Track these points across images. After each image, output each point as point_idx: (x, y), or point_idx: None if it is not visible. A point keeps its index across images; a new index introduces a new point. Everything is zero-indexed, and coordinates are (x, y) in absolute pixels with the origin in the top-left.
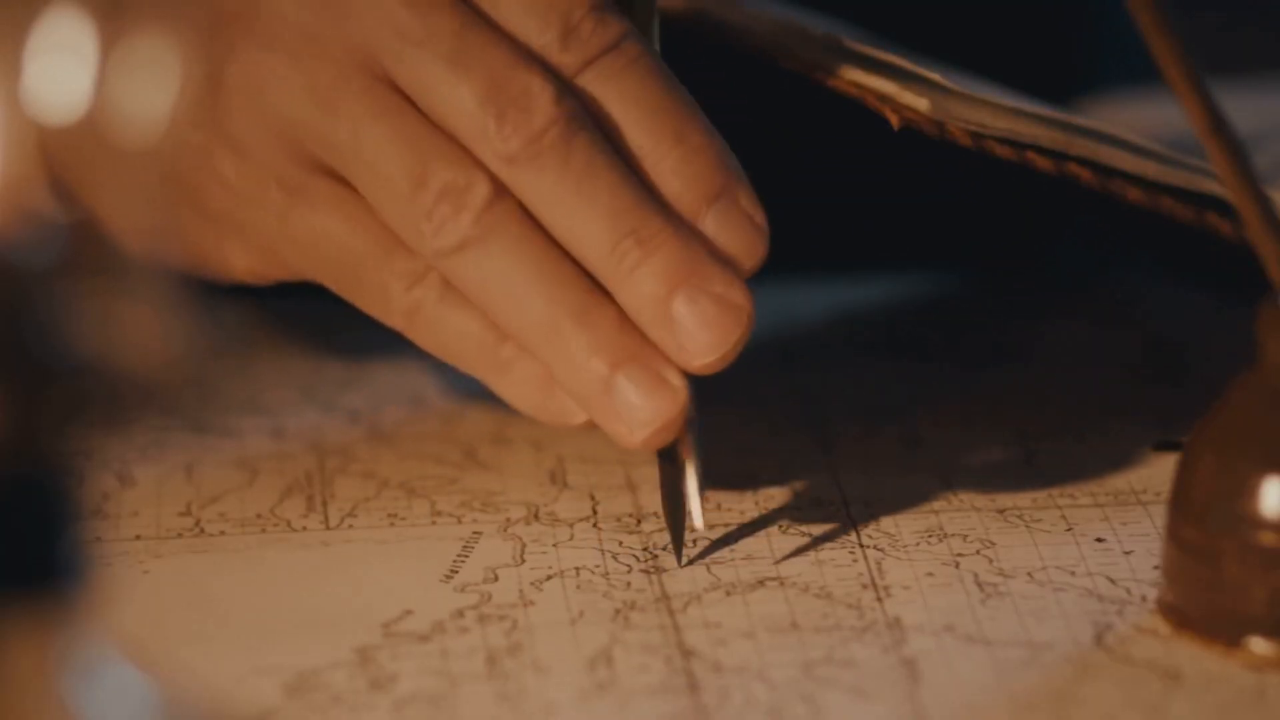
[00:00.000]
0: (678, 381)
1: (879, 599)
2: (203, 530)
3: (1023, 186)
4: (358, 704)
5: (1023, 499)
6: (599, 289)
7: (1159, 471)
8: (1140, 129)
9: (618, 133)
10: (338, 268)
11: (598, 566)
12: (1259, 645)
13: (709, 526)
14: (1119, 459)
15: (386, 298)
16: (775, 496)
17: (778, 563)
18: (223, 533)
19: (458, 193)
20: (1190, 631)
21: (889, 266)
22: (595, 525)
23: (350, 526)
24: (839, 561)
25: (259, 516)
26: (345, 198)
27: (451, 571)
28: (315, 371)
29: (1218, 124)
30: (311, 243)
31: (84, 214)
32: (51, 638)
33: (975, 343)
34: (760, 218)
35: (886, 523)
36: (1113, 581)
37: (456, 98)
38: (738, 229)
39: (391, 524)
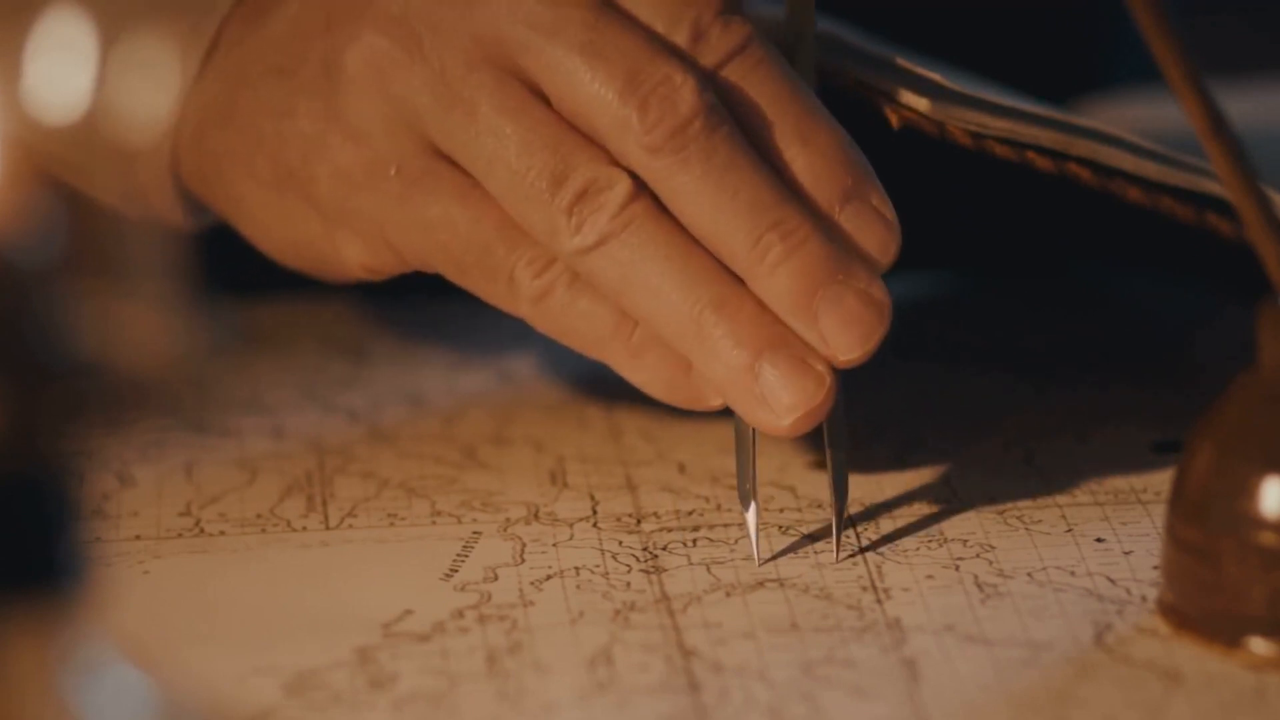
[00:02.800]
0: (822, 366)
1: (879, 600)
2: (203, 530)
3: (1024, 190)
4: (358, 703)
5: (1023, 499)
6: (736, 279)
7: (1159, 471)
8: (1145, 127)
9: (748, 134)
10: (458, 255)
11: (597, 566)
12: (1259, 645)
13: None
14: (1119, 459)
15: (513, 285)
16: (775, 498)
17: (760, 562)
18: (223, 533)
19: (597, 191)
20: (1190, 631)
21: (889, 268)
22: (595, 525)
23: (350, 526)
24: (839, 564)
25: (259, 516)
26: (467, 185)
27: (451, 571)
28: (315, 371)
29: (1218, 125)
30: (430, 231)
31: (211, 218)
32: (51, 638)
33: (975, 343)
34: (891, 214)
35: (886, 525)
36: (1113, 581)
37: (594, 89)
38: (871, 226)
39: (391, 524)
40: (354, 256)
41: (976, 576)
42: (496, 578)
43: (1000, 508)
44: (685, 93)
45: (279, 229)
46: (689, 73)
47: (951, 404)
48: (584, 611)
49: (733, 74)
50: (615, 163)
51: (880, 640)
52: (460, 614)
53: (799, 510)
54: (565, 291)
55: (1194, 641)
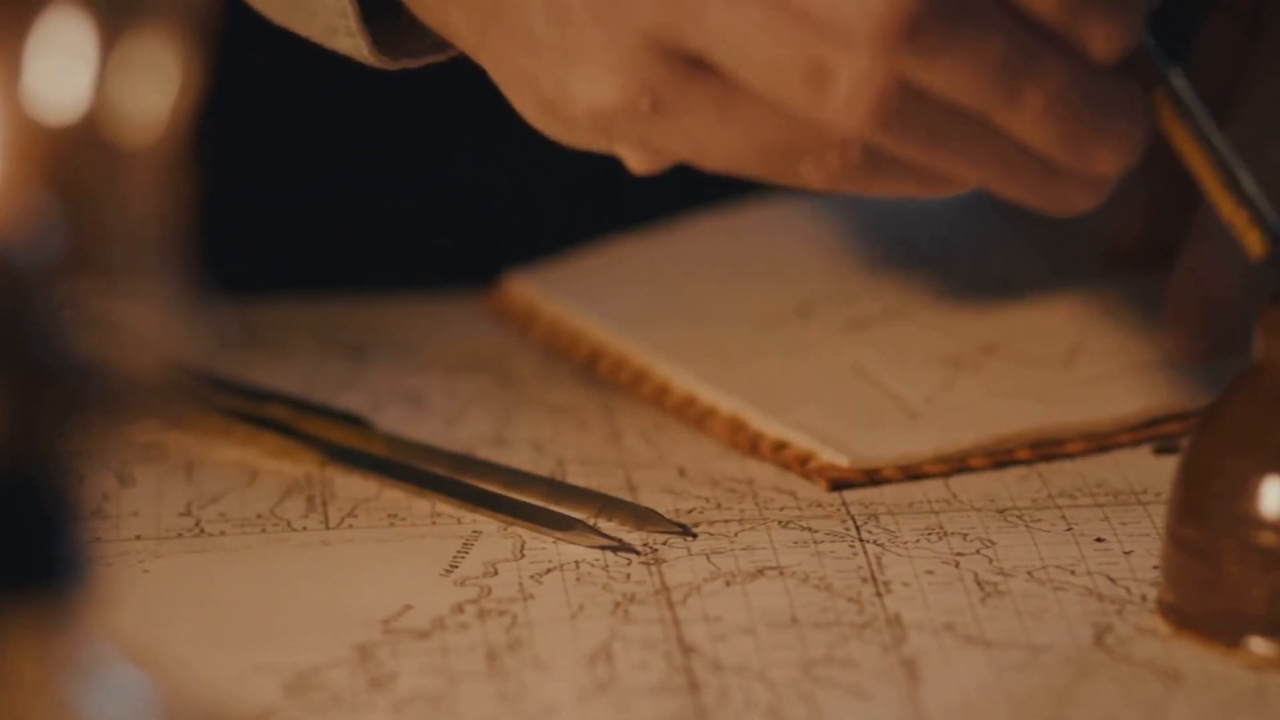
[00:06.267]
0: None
1: (879, 594)
2: (203, 530)
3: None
4: (358, 704)
5: (1023, 499)
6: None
7: (1159, 472)
8: None
9: None
10: (734, 162)
11: (597, 560)
12: (1259, 645)
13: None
14: (1119, 460)
15: (802, 179)
16: (775, 498)
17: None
18: (223, 533)
19: (855, 79)
20: (1190, 631)
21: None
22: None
23: (350, 526)
24: (838, 554)
25: (259, 516)
26: (723, 95)
27: (451, 566)
28: (315, 371)
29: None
30: (698, 143)
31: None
32: (51, 638)
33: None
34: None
35: (886, 520)
36: (1113, 581)
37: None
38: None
39: (391, 524)
40: (627, 157)
41: (976, 574)
42: (496, 572)
43: (1000, 507)
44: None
45: (550, 134)
46: None
47: None
48: (584, 605)
49: None
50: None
51: (880, 639)
52: (460, 609)
53: (799, 509)
54: (860, 174)
55: (1194, 641)
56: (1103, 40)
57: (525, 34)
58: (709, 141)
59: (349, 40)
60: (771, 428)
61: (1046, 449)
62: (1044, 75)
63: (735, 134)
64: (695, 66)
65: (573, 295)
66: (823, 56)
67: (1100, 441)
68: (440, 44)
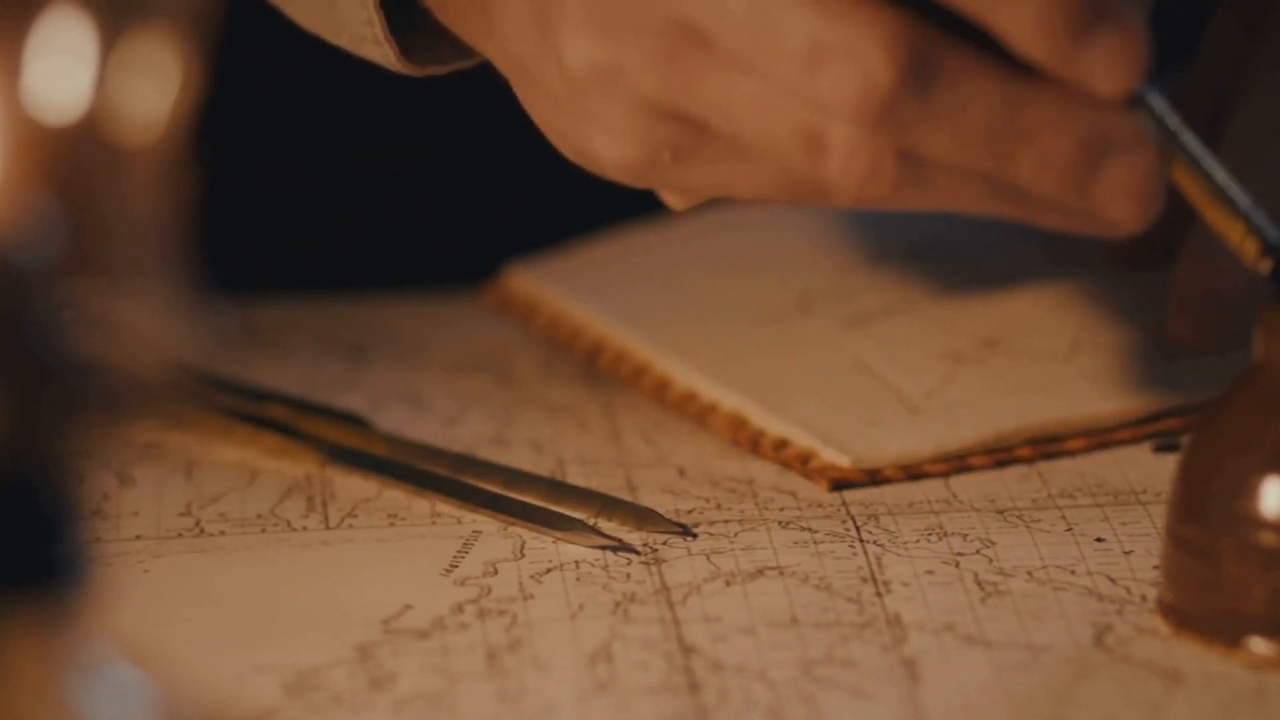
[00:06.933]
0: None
1: (879, 594)
2: (203, 530)
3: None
4: (358, 704)
5: (1023, 499)
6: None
7: (1159, 471)
8: None
9: None
10: (760, 194)
11: (597, 560)
12: (1259, 645)
13: None
14: (1119, 459)
15: (830, 194)
16: (775, 498)
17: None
18: (223, 533)
19: (850, 149)
20: (1190, 631)
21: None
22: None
23: (350, 526)
24: (838, 554)
25: (259, 516)
26: (740, 151)
27: (451, 566)
28: (315, 371)
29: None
30: (725, 184)
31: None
32: (51, 638)
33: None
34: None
35: (886, 521)
36: (1113, 581)
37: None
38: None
39: (391, 524)
40: (664, 198)
41: (976, 574)
42: (496, 572)
43: (1000, 508)
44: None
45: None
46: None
47: None
48: (584, 605)
49: None
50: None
51: (880, 639)
52: (460, 609)
53: (799, 509)
54: (887, 197)
55: (1194, 641)
56: (1107, 80)
57: (546, 92)
58: (736, 182)
59: (376, 49)
60: (772, 425)
61: (1047, 446)
62: (1034, 133)
63: (759, 175)
64: (705, 126)
65: (574, 288)
66: (815, 126)
67: (1101, 437)
68: (466, 50)
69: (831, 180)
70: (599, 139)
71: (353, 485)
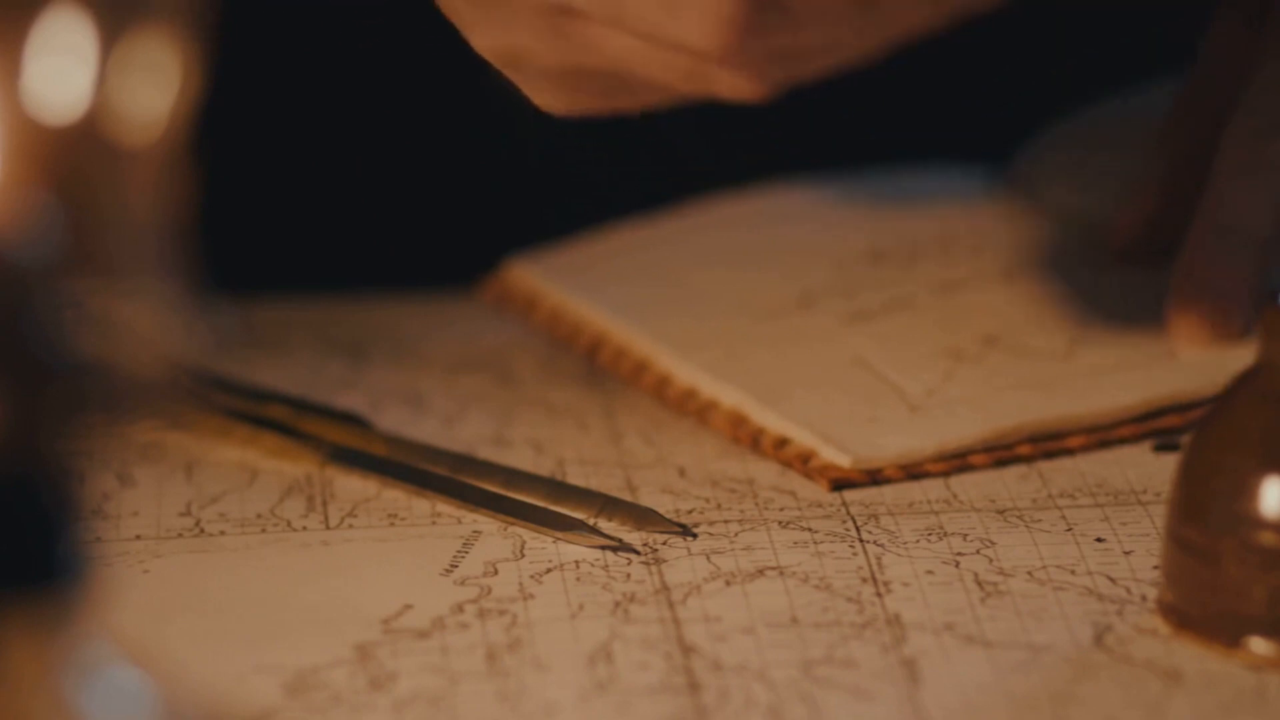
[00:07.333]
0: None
1: (879, 594)
2: (203, 530)
3: None
4: (358, 704)
5: (1023, 499)
6: None
7: (1159, 471)
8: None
9: None
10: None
11: (597, 560)
12: (1259, 645)
13: None
14: (1119, 459)
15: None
16: (775, 498)
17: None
18: (223, 533)
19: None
20: (1190, 631)
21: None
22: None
23: (350, 526)
24: (838, 554)
25: (259, 516)
26: None
27: (451, 566)
28: (315, 371)
29: None
30: (652, 105)
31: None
32: (51, 638)
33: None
34: None
35: (886, 521)
36: (1113, 581)
37: None
38: None
39: (391, 524)
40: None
41: (976, 574)
42: (496, 572)
43: (1000, 508)
44: None
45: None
46: None
47: None
48: (584, 605)
49: None
50: None
51: (880, 639)
52: (460, 609)
53: (799, 509)
54: (780, 84)
55: (1194, 641)
56: None
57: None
58: (657, 100)
59: None
60: (773, 422)
61: (1047, 443)
62: None
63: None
64: (614, 74)
65: (574, 283)
66: (693, 67)
67: (1102, 434)
68: None
69: (732, 99)
70: (538, 101)
71: (353, 485)
